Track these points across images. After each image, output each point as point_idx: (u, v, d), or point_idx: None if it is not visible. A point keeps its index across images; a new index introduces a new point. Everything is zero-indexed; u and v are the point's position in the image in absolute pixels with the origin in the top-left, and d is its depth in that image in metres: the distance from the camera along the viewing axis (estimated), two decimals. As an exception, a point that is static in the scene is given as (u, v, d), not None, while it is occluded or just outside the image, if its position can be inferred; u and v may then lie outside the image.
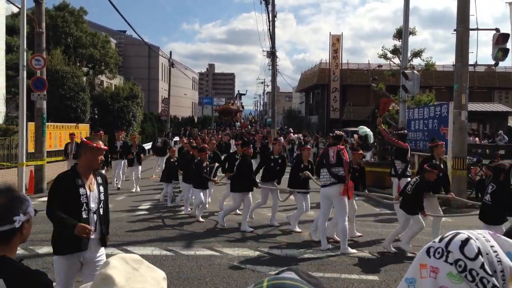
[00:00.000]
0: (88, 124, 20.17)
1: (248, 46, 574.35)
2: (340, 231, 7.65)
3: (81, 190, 3.85)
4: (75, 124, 18.35)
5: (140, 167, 14.75)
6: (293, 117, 51.40)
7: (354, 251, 7.58)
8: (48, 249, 7.46)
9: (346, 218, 7.69)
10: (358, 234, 8.68)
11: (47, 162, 14.04)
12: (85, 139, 4.10)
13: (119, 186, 14.63)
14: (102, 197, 4.04)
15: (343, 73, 43.38)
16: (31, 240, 7.86)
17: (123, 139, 15.45)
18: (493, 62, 13.18)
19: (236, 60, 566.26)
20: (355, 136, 24.88)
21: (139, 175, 14.64)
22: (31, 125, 14.27)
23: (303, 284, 0.97)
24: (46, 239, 8.10)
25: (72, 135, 14.80)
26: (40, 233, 8.47)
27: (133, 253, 7.29)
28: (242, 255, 7.38)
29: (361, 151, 10.04)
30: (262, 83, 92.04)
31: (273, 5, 30.28)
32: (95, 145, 3.92)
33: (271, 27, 30.21)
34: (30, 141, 14.31)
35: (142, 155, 15.27)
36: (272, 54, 31.55)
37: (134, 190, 14.16)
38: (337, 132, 8.57)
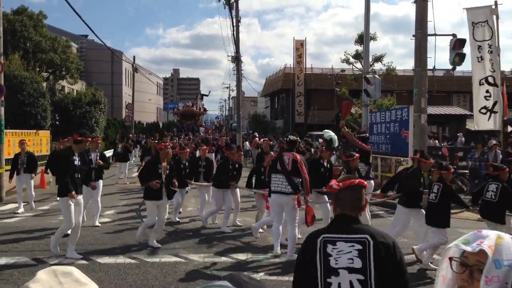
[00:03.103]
0: (49, 131, 19.66)
1: (213, 51, 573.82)
2: (289, 236, 7.58)
3: None
4: (35, 130, 17.84)
5: (100, 192, 10.14)
6: (258, 121, 51.46)
7: None
8: (6, 260, 7.23)
9: (296, 224, 7.68)
10: None
11: (6, 170, 13.57)
12: None
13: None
14: None
15: (307, 77, 43.83)
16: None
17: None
18: (451, 67, 13.58)
19: (201, 65, 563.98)
20: (320, 140, 25.14)
21: (99, 205, 10.13)
22: (-12, 132, 13.79)
23: None
24: (4, 249, 7.85)
25: None
26: (-2, 244, 8.20)
27: (97, 262, 7.15)
28: (207, 261, 7.34)
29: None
30: (227, 88, 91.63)
31: (237, 10, 30.32)
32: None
33: (235, 32, 30.25)
34: (-12, 148, 13.82)
35: (102, 163, 10.00)
36: (236, 59, 31.55)
37: (96, 223, 9.80)
38: (291, 137, 8.15)
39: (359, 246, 2.25)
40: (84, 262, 7.15)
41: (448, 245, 1.41)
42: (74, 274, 1.20)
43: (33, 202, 11.95)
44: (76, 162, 7.53)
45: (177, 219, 10.55)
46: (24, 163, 11.81)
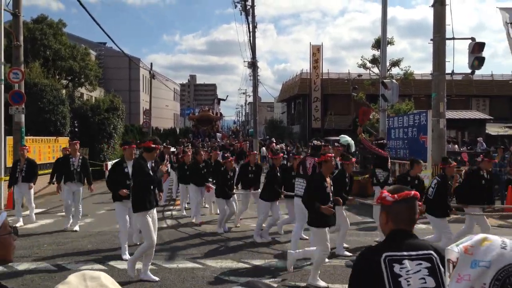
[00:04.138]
0: (68, 137, 19.92)
1: (229, 57, 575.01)
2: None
3: None
4: (54, 137, 18.12)
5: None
6: (275, 127, 51.47)
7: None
8: (27, 265, 7.33)
9: None
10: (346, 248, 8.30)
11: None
12: None
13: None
14: None
15: (324, 82, 43.74)
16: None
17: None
18: (470, 71, 13.41)
19: (217, 70, 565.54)
20: (336, 144, 25.02)
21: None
22: (10, 139, 14.05)
23: None
24: (25, 255, 7.96)
25: None
26: (19, 249, 8.31)
27: (116, 268, 7.20)
28: (225, 267, 7.34)
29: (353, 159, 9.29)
30: (243, 93, 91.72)
31: (253, 16, 30.44)
32: None
33: (251, 38, 30.35)
34: (9, 155, 14.07)
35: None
36: (253, 65, 31.66)
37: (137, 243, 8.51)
38: (315, 142, 8.36)
39: (427, 264, 2.08)
40: (101, 267, 7.21)
41: (447, 248, 1.52)
42: (101, 278, 1.27)
43: (33, 215, 11.13)
44: (151, 172, 6.65)
45: (227, 227, 10.31)
46: (22, 171, 10.82)
